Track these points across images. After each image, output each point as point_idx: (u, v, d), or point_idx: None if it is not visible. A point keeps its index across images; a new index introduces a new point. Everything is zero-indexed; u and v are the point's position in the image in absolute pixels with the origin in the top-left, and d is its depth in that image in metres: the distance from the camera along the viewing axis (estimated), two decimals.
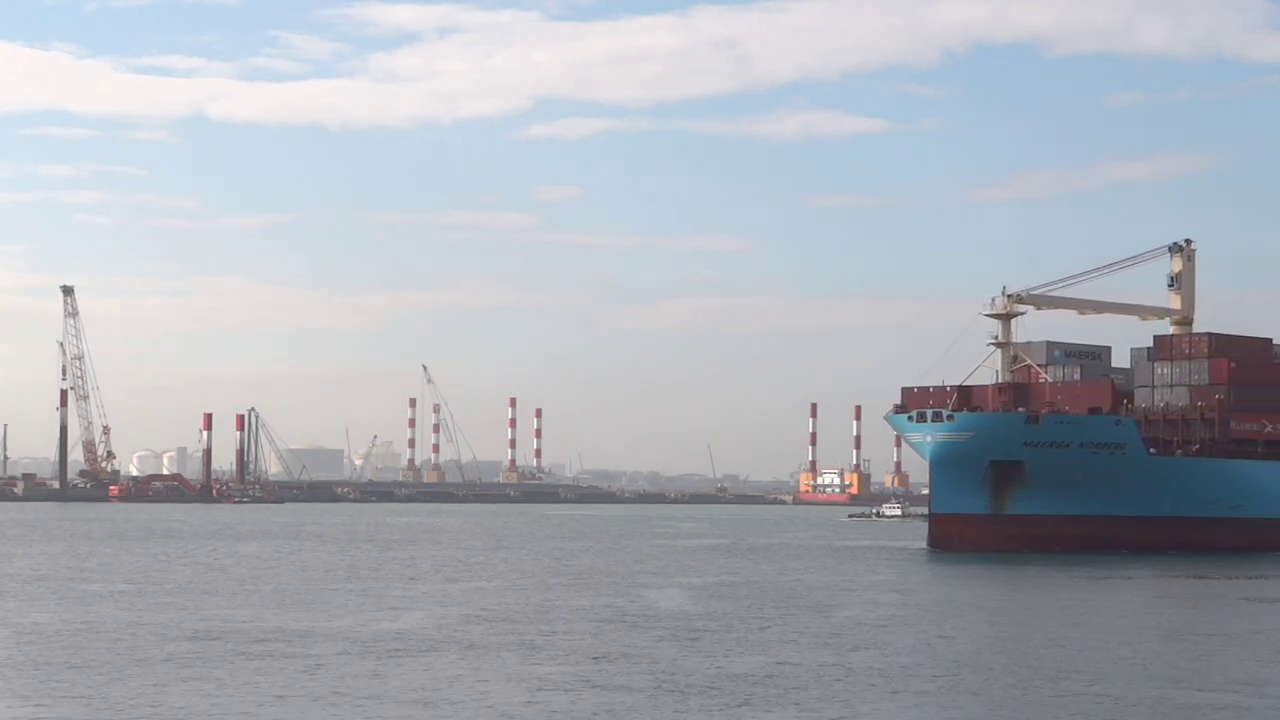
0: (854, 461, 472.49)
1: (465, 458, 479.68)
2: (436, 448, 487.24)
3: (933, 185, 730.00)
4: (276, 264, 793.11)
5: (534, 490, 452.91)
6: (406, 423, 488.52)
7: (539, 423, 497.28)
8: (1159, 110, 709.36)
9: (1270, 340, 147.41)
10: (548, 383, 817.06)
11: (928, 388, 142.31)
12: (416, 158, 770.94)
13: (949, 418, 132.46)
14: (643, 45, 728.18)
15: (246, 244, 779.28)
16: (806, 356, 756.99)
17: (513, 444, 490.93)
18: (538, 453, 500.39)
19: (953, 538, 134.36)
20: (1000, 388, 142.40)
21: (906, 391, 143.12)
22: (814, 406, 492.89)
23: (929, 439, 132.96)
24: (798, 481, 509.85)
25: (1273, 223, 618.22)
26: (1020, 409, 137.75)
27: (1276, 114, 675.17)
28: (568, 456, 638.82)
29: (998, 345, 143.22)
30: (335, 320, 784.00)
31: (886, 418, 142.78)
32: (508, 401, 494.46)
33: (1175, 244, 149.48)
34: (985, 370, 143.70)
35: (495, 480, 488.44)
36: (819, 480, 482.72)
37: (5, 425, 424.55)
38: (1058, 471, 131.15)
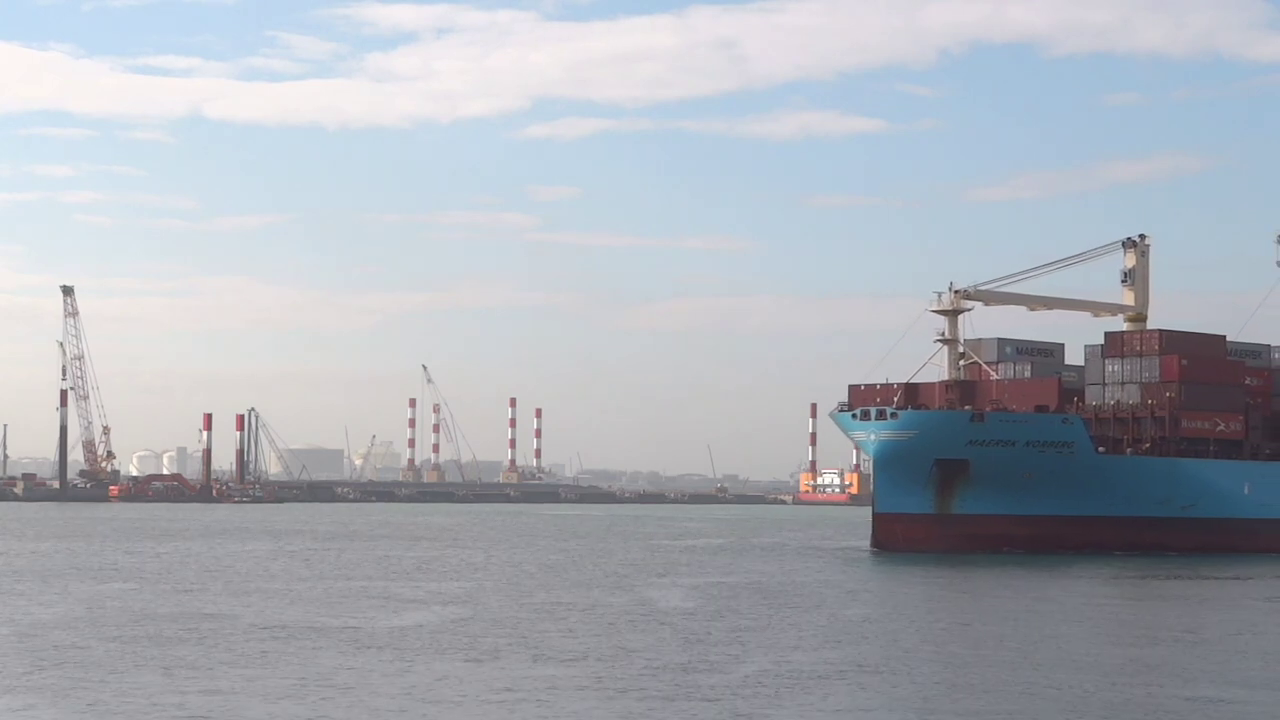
0: (854, 461, 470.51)
1: (465, 458, 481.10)
2: (436, 448, 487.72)
3: (931, 185, 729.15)
4: (276, 264, 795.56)
5: (534, 490, 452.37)
6: (406, 423, 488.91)
7: (539, 423, 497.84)
8: (1157, 110, 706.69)
9: (1224, 337, 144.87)
10: (547, 383, 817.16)
11: (874, 385, 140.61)
12: (414, 158, 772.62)
13: (893, 416, 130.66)
14: (640, 45, 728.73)
15: (246, 244, 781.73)
16: (806, 356, 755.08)
17: (513, 444, 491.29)
18: (538, 453, 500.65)
19: (897, 538, 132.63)
20: (947, 385, 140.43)
21: (853, 389, 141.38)
22: (814, 406, 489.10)
23: (872, 437, 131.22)
24: (798, 482, 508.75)
25: (1274, 222, 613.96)
26: (967, 407, 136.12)
27: (1275, 114, 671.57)
28: (568, 456, 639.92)
29: (944, 342, 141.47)
30: (335, 320, 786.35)
31: (831, 415, 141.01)
32: (508, 401, 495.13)
33: (1129, 239, 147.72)
34: (933, 368, 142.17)
35: (495, 480, 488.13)
36: (819, 480, 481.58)
37: (5, 425, 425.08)
38: (1004, 470, 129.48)
